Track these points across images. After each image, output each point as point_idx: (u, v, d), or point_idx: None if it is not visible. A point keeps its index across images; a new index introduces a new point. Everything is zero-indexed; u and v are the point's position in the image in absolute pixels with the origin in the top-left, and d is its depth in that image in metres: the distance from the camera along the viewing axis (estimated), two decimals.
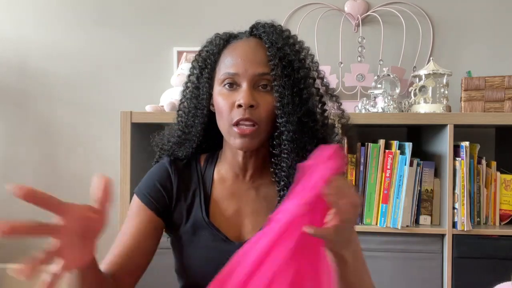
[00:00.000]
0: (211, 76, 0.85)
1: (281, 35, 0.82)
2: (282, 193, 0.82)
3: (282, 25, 0.86)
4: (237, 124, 0.79)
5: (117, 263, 0.81)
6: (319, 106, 0.85)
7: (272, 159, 0.83)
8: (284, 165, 0.81)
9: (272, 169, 0.84)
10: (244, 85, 0.79)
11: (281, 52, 0.80)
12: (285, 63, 0.80)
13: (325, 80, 0.86)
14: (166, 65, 1.98)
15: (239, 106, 0.78)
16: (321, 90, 0.86)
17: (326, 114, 0.86)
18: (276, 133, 0.82)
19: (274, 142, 0.82)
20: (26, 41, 2.03)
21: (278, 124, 0.81)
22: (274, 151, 0.83)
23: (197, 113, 0.86)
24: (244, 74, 0.79)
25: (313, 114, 0.82)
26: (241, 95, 0.78)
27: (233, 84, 0.81)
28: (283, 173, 0.82)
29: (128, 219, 0.86)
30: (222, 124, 0.82)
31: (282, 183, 0.82)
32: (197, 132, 0.87)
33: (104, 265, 0.81)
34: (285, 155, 0.81)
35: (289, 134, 0.80)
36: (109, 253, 0.83)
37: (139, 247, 0.83)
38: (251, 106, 0.78)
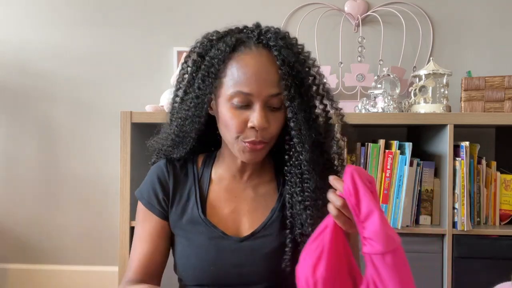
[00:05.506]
0: (214, 85, 0.81)
1: (292, 49, 0.79)
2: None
3: (286, 30, 0.83)
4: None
5: (140, 268, 0.87)
6: (325, 120, 0.85)
7: (289, 182, 0.84)
8: (314, 185, 0.80)
9: (304, 193, 0.82)
10: (257, 106, 0.77)
11: (294, 70, 0.78)
12: (297, 82, 0.78)
13: (330, 94, 0.85)
14: (166, 65, 1.98)
15: (252, 127, 0.78)
16: (328, 105, 0.85)
17: (330, 128, 0.85)
18: (290, 153, 0.82)
19: (290, 163, 0.82)
20: (26, 42, 2.03)
21: (292, 143, 0.81)
22: (289, 173, 0.83)
23: (195, 120, 0.84)
24: (258, 95, 0.77)
25: (321, 130, 0.82)
26: (255, 117, 0.77)
27: (244, 102, 0.78)
28: (312, 194, 0.81)
29: (138, 224, 0.92)
30: (229, 137, 0.81)
31: (312, 202, 0.81)
32: (191, 138, 0.87)
33: (128, 272, 0.88)
34: (307, 175, 0.80)
35: (307, 155, 0.79)
36: (130, 260, 0.89)
37: (155, 249, 0.89)
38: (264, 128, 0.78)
